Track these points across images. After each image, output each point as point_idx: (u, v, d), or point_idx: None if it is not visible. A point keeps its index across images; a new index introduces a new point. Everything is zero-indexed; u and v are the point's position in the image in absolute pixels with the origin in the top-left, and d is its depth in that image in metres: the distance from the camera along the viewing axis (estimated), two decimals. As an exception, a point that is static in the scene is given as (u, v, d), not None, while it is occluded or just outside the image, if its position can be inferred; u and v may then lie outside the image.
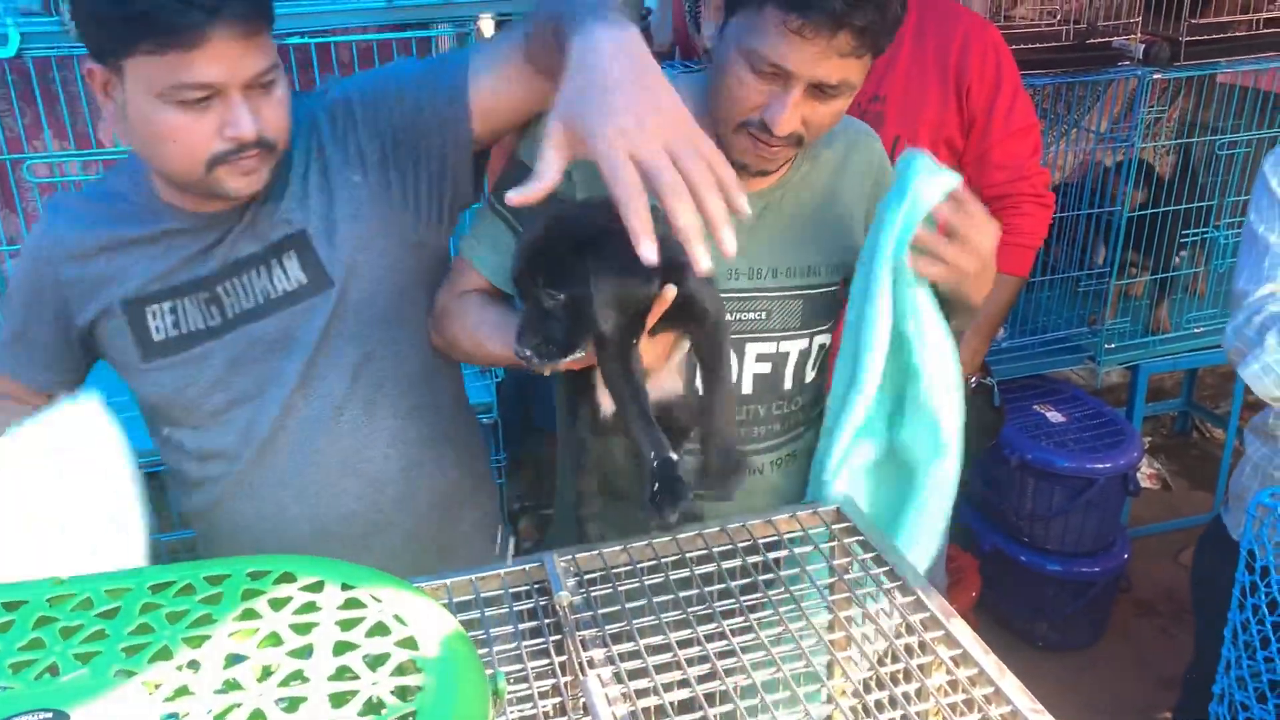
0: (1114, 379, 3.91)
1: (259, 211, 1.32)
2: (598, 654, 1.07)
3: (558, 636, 1.10)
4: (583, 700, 1.00)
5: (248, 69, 1.17)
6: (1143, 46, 2.78)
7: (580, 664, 1.04)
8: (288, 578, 0.68)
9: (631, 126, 0.94)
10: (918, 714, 0.97)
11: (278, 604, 0.65)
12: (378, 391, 1.40)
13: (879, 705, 0.98)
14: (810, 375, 1.47)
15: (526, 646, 1.08)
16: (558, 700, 1.02)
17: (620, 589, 1.17)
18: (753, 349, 1.40)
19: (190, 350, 1.35)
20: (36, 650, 0.62)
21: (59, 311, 1.38)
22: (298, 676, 0.58)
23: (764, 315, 1.38)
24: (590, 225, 1.05)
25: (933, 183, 1.22)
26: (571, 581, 1.17)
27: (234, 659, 0.60)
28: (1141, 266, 3.09)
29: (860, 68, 1.25)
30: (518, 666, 1.05)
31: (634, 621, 1.12)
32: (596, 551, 1.22)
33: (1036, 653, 2.90)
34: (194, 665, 0.59)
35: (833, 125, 1.31)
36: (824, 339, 1.46)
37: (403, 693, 0.57)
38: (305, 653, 0.60)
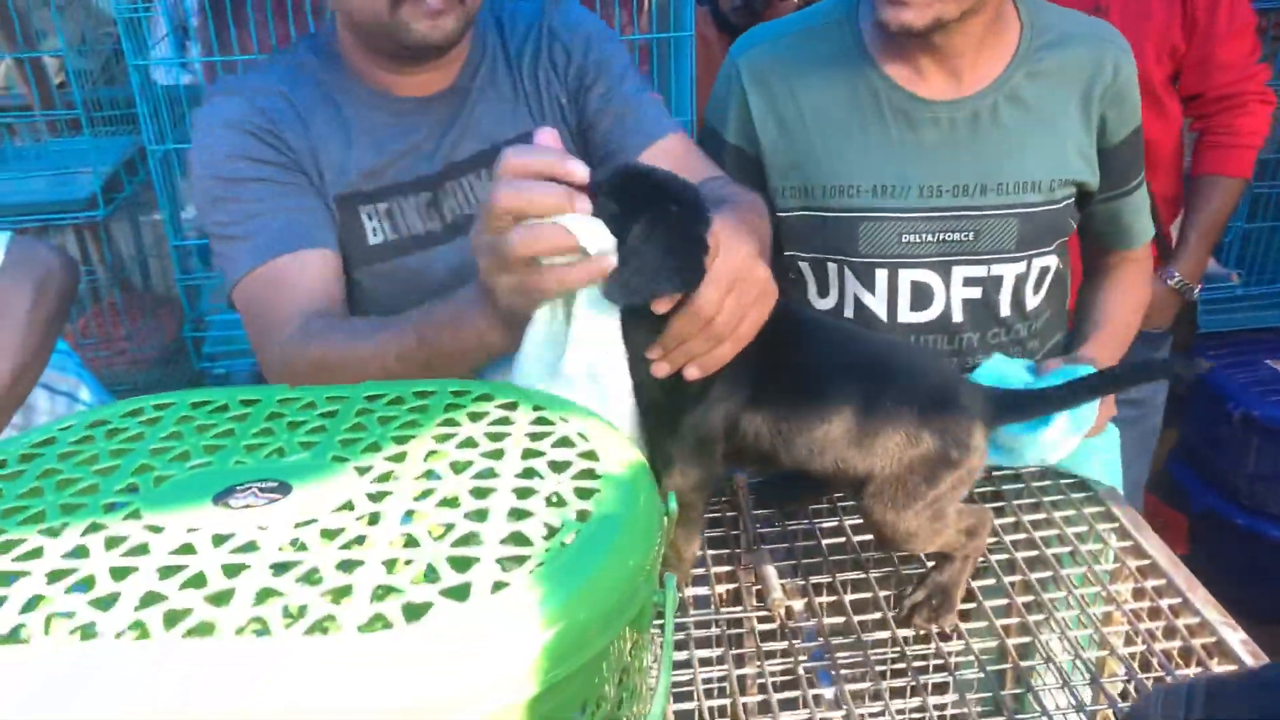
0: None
1: (479, 102, 1.25)
2: (770, 531, 1.10)
3: (734, 513, 1.14)
4: (754, 573, 1.03)
5: None
6: None
7: (753, 538, 1.07)
8: (486, 397, 0.74)
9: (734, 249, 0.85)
10: (1097, 616, 0.95)
11: (476, 416, 0.71)
12: None
13: (1055, 604, 0.97)
14: (1033, 301, 1.35)
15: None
16: (730, 568, 1.05)
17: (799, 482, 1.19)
18: (960, 272, 1.31)
19: (409, 258, 1.23)
20: (266, 437, 0.70)
21: (296, 169, 1.19)
22: (489, 473, 0.63)
23: (971, 235, 1.29)
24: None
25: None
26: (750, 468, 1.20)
27: (433, 454, 0.66)
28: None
29: None
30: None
31: (809, 508, 1.14)
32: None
33: (1252, 624, 2.72)
34: (399, 457, 0.65)
35: None
36: (1046, 261, 1.34)
37: (582, 494, 0.61)
38: (497, 455, 0.65)
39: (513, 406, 0.72)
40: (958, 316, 1.32)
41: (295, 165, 1.17)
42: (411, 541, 0.57)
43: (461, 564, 0.54)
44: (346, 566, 0.55)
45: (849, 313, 1.32)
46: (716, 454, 0.92)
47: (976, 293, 1.32)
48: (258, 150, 1.15)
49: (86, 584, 0.54)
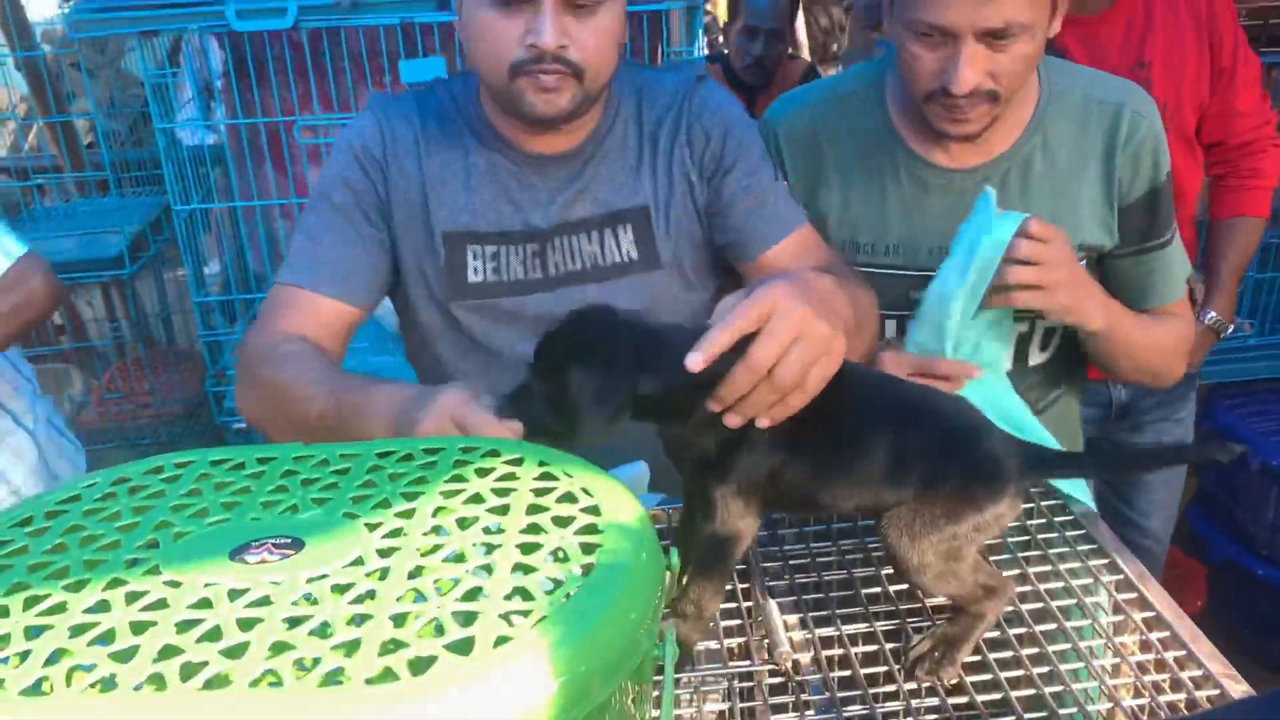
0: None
1: (601, 166, 1.30)
2: (779, 584, 1.11)
3: (742, 566, 1.15)
4: (763, 626, 1.04)
5: None
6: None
7: (761, 591, 1.08)
8: (493, 454, 0.76)
9: (793, 309, 0.88)
10: (1102, 668, 0.95)
11: (483, 472, 0.73)
12: None
13: (1061, 656, 0.97)
14: (1038, 358, 1.41)
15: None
16: (737, 622, 1.06)
17: (805, 529, 1.20)
18: None
19: (503, 299, 1.30)
20: (281, 494, 0.73)
21: (374, 220, 1.28)
22: (495, 529, 0.65)
23: None
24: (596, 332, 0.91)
25: (1004, 224, 1.19)
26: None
27: (441, 510, 0.68)
28: None
29: (1026, 3, 1.19)
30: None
31: (817, 559, 1.15)
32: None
33: (1270, 675, 2.69)
34: (408, 514, 0.68)
35: (1026, 69, 1.25)
36: (1051, 322, 1.36)
37: (586, 549, 0.63)
38: (503, 510, 0.68)
39: (519, 463, 0.74)
40: None
41: (382, 207, 1.28)
42: (419, 596, 0.59)
43: (467, 618, 0.56)
44: (357, 620, 0.57)
45: None
46: (758, 501, 0.94)
47: None
48: (357, 179, 1.28)
49: (107, 638, 0.56)
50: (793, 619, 1.05)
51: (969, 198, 1.31)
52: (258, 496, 0.72)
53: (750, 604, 1.08)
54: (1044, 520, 1.18)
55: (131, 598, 0.60)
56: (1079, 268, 1.25)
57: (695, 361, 0.85)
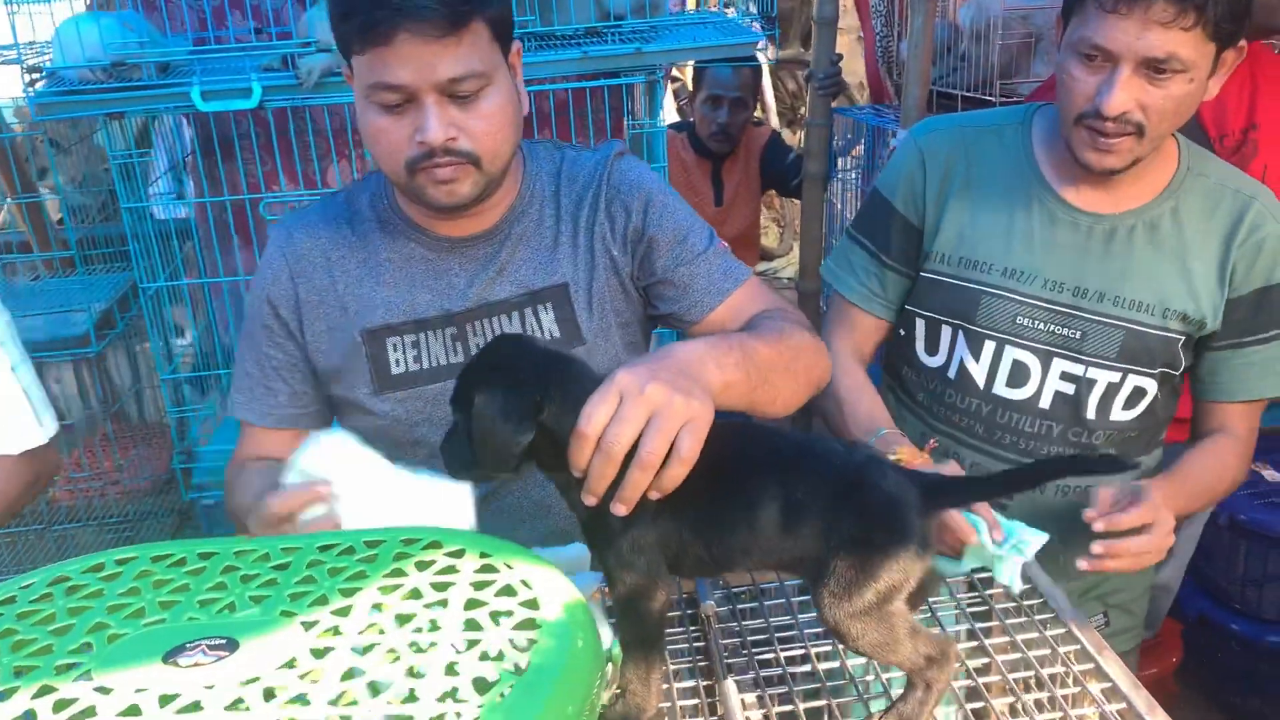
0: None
1: (518, 247, 1.31)
2: (738, 662, 1.11)
3: (700, 643, 1.14)
4: (719, 705, 1.04)
5: (439, 73, 1.14)
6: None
7: (720, 670, 1.08)
8: (435, 545, 0.76)
9: (639, 388, 0.89)
10: (1059, 743, 0.95)
11: (423, 565, 0.73)
12: None
13: (1020, 732, 0.97)
14: (1121, 415, 1.45)
15: (671, 649, 1.12)
16: (695, 702, 1.05)
17: (766, 604, 1.20)
18: (1059, 365, 1.43)
19: (426, 386, 1.31)
20: (220, 592, 0.72)
21: (295, 333, 1.34)
22: (433, 626, 0.65)
23: (1078, 335, 1.42)
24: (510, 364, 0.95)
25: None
26: (719, 594, 1.21)
27: (378, 608, 0.67)
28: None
29: (1193, 43, 1.24)
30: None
31: (776, 635, 1.14)
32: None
33: (1249, 731, 2.67)
34: (344, 611, 0.67)
35: (1176, 113, 1.30)
36: (1143, 382, 1.43)
37: (520, 647, 0.63)
38: (441, 604, 0.67)
39: (459, 554, 0.74)
40: (1045, 403, 1.45)
41: (294, 334, 1.35)
42: (349, 700, 0.58)
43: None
44: None
45: (952, 373, 1.49)
46: (657, 562, 0.93)
47: (1069, 388, 1.44)
48: (271, 321, 1.35)
49: None
50: (751, 697, 1.04)
51: (1094, 244, 1.41)
52: (195, 594, 0.72)
53: (709, 682, 1.07)
54: (1001, 588, 1.18)
55: (60, 705, 0.59)
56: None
57: (576, 468, 0.89)
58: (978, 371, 1.46)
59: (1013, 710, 1.01)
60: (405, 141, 1.18)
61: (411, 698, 0.58)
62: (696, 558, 0.95)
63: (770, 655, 1.11)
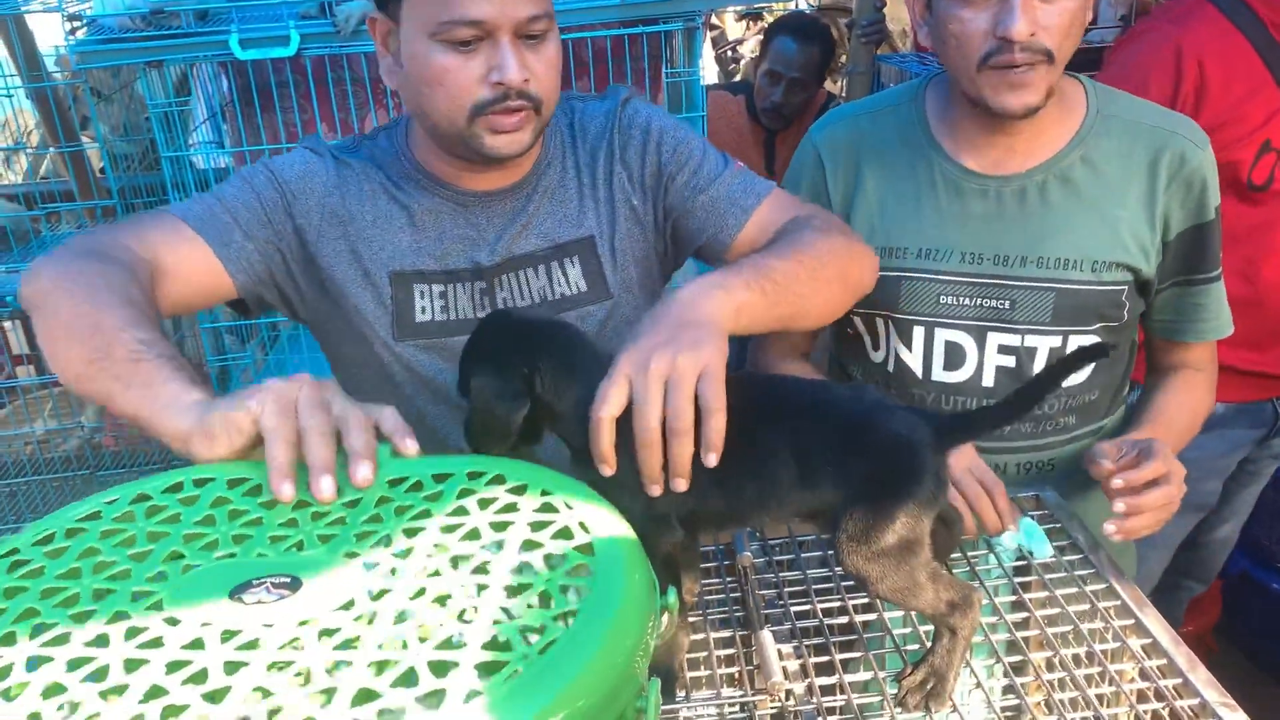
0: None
1: (543, 201, 1.30)
2: (774, 613, 1.11)
3: (738, 594, 1.15)
4: (755, 655, 1.04)
5: (519, 10, 1.12)
6: None
7: (757, 619, 1.08)
8: (499, 479, 0.77)
9: (642, 363, 0.90)
10: (1099, 697, 0.95)
11: (485, 503, 0.73)
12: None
13: (1062, 684, 0.97)
14: (1071, 380, 1.38)
15: (708, 599, 1.13)
16: (731, 651, 1.06)
17: (803, 556, 1.20)
18: (994, 339, 1.36)
19: (451, 338, 1.29)
20: (290, 529, 0.74)
21: (278, 233, 1.25)
22: (484, 568, 0.66)
23: (1007, 305, 1.34)
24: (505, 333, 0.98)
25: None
26: (755, 545, 1.21)
27: (438, 547, 0.69)
28: None
29: None
30: (697, 616, 1.10)
31: (814, 588, 1.15)
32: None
33: (1287, 689, 2.66)
34: (406, 553, 0.68)
35: (1073, 29, 1.23)
36: (1087, 341, 1.35)
37: (573, 593, 0.63)
38: (498, 546, 0.68)
39: (521, 491, 0.75)
40: (988, 381, 1.37)
41: (288, 216, 1.25)
42: (400, 643, 0.59)
43: (442, 668, 0.57)
44: (337, 666, 0.57)
45: (892, 368, 1.41)
46: (671, 526, 0.94)
47: (1010, 361, 1.36)
48: (268, 193, 1.24)
49: (99, 675, 0.58)
50: (787, 648, 1.05)
51: (1006, 207, 1.34)
52: (267, 529, 0.73)
53: (745, 632, 1.08)
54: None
55: (131, 633, 0.61)
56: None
57: (600, 458, 0.90)
58: (913, 360, 1.39)
59: (1050, 665, 1.01)
60: (476, 83, 1.14)
61: (457, 644, 0.59)
62: (712, 514, 0.95)
63: (807, 607, 1.11)
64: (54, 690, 0.57)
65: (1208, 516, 2.21)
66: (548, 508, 0.72)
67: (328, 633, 0.60)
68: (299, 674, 0.57)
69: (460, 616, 0.61)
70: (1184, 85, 1.79)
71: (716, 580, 1.17)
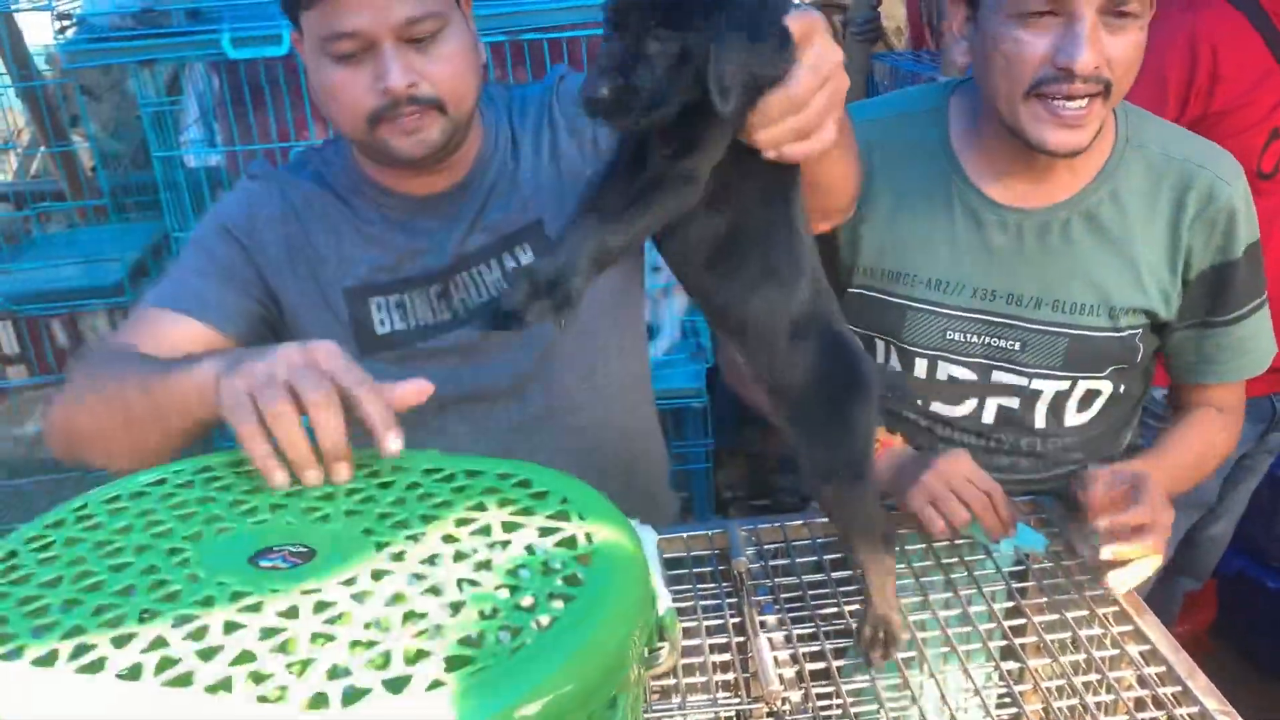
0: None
1: (490, 197, 1.27)
2: (770, 619, 1.10)
3: (733, 599, 1.14)
4: (751, 661, 1.04)
5: (395, 14, 1.11)
6: None
7: (752, 625, 1.07)
8: (525, 484, 0.76)
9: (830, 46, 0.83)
10: (1097, 705, 0.94)
11: (504, 503, 0.74)
12: (599, 393, 1.34)
13: (1060, 691, 0.96)
14: (1076, 418, 1.31)
15: (703, 605, 1.12)
16: (728, 657, 1.05)
17: (798, 561, 1.19)
18: (998, 377, 1.29)
19: (417, 345, 1.28)
20: (324, 502, 0.75)
21: (247, 280, 1.26)
22: (484, 565, 0.66)
23: (1017, 346, 1.26)
24: None
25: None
26: (751, 550, 1.20)
27: (449, 539, 0.69)
28: None
29: None
30: (692, 622, 1.09)
31: (809, 593, 1.14)
32: (779, 524, 1.25)
33: (1282, 688, 2.66)
34: (417, 538, 0.69)
35: (1135, 66, 1.14)
36: (1097, 385, 1.28)
37: (557, 598, 0.63)
38: (503, 545, 0.68)
39: (542, 497, 0.75)
40: (988, 419, 1.31)
41: (254, 267, 1.26)
42: (384, 625, 0.60)
43: (415, 656, 0.57)
44: (319, 639, 0.59)
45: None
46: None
47: (1013, 402, 1.30)
48: (222, 249, 1.25)
49: (115, 622, 0.61)
50: (784, 654, 1.04)
51: (1026, 244, 1.24)
52: (302, 501, 0.76)
53: (741, 639, 1.07)
54: (1043, 553, 1.17)
55: (156, 586, 0.65)
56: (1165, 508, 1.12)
57: (766, 117, 0.80)
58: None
59: (1048, 672, 1.00)
60: (366, 93, 1.13)
61: (437, 633, 0.59)
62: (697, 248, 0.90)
63: (803, 613, 1.10)
64: (76, 632, 0.60)
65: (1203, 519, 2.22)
66: (561, 515, 0.72)
67: (323, 605, 0.62)
68: (283, 643, 0.59)
69: (449, 607, 0.62)
70: (1199, 71, 1.75)
71: (712, 585, 1.16)
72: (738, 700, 1.00)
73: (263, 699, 0.54)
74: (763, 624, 1.09)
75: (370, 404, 0.79)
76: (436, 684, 0.54)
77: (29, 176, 3.36)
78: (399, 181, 1.25)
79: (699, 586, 1.16)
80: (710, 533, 1.23)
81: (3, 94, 2.68)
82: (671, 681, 1.00)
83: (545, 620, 0.60)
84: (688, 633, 1.07)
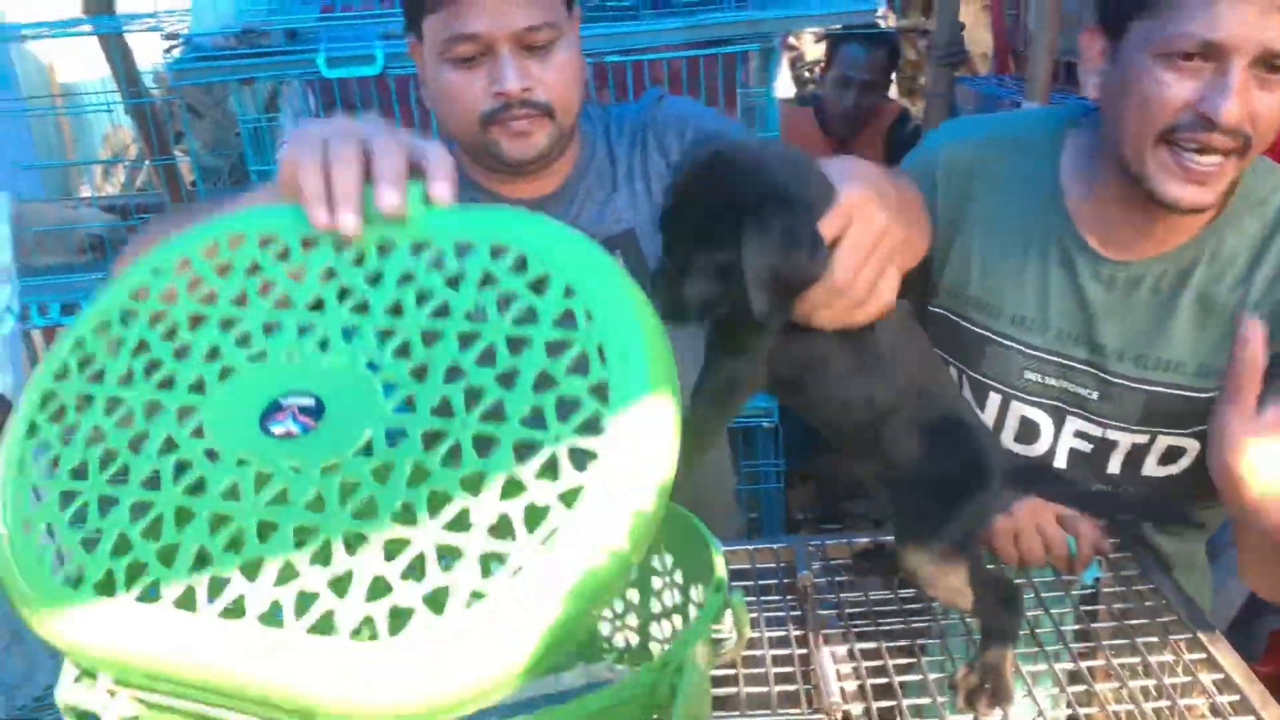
0: None
1: (585, 204, 1.33)
2: (834, 633, 1.11)
3: (797, 613, 1.14)
4: (813, 674, 1.04)
5: (515, 21, 1.17)
6: None
7: (815, 638, 1.08)
8: (522, 264, 0.71)
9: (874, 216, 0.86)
10: (1164, 732, 0.93)
11: (505, 304, 0.68)
12: None
13: (1130, 716, 0.95)
14: (1156, 470, 1.23)
15: (766, 617, 1.13)
16: (790, 669, 1.06)
17: (864, 578, 1.19)
18: (1073, 423, 1.24)
19: None
20: (319, 315, 0.70)
21: None
22: (499, 415, 0.62)
23: (1095, 396, 1.21)
24: (758, 175, 0.85)
25: None
26: (817, 565, 1.21)
27: (456, 373, 0.65)
28: None
29: None
30: (754, 634, 1.10)
31: (874, 609, 1.14)
32: (846, 540, 1.25)
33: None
34: (421, 373, 0.66)
35: (1278, 123, 1.07)
36: (1181, 442, 1.20)
37: (580, 457, 0.60)
38: (511, 383, 0.63)
39: (542, 286, 0.70)
40: (1060, 462, 1.26)
41: None
42: (412, 515, 0.59)
43: (448, 556, 0.57)
44: (354, 542, 0.59)
45: None
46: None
47: (1086, 448, 1.25)
48: None
49: (154, 531, 0.62)
50: (846, 669, 1.04)
51: (1115, 295, 1.19)
52: (296, 314, 0.71)
53: (804, 651, 1.08)
54: (1109, 574, 1.15)
55: (179, 471, 0.65)
56: None
57: (818, 306, 0.85)
58: (984, 420, 1.27)
59: (1117, 697, 0.99)
60: (481, 95, 1.19)
61: (465, 521, 0.58)
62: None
63: (868, 628, 1.10)
64: (124, 549, 0.62)
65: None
66: (568, 316, 0.66)
67: (347, 489, 0.60)
68: (320, 551, 0.59)
69: (468, 485, 0.59)
70: None
71: (776, 598, 1.17)
72: (798, 711, 1.00)
73: (314, 630, 0.56)
74: (826, 638, 1.09)
75: (381, 159, 0.75)
76: (476, 595, 0.55)
77: (135, 189, 3.51)
78: (501, 185, 1.31)
79: (763, 598, 1.16)
80: (776, 547, 1.24)
81: (113, 110, 2.81)
82: (733, 690, 1.01)
83: (571, 490, 0.58)
84: (750, 644, 1.08)
